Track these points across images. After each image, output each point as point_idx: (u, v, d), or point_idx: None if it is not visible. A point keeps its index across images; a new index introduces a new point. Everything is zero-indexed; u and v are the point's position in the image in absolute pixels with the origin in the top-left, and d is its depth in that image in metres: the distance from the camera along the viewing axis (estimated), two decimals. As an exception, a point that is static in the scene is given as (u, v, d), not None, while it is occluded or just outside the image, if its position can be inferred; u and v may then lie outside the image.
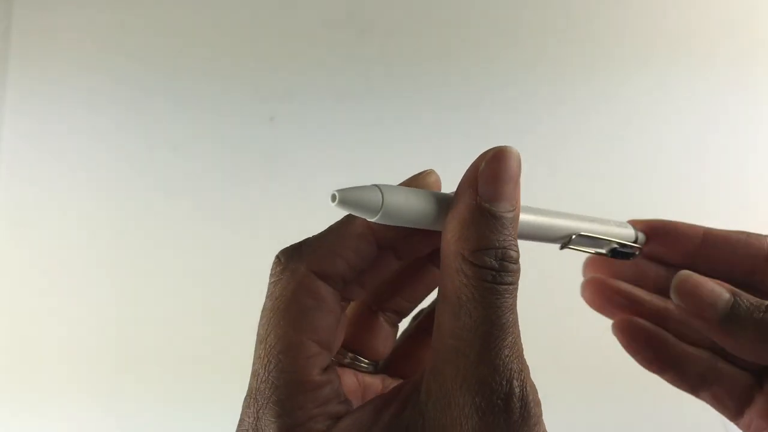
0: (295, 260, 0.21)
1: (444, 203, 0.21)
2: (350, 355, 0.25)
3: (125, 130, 0.71)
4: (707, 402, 0.28)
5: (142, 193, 0.69)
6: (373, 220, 0.20)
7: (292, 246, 0.22)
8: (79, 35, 0.74)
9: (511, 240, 0.20)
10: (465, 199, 0.20)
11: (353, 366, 0.25)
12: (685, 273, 0.25)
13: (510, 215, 0.20)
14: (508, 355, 0.19)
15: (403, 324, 0.27)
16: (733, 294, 0.24)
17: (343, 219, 0.22)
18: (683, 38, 0.71)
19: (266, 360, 0.20)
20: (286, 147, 0.70)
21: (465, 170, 0.21)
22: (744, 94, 0.69)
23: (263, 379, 0.20)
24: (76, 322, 0.65)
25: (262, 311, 0.21)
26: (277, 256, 0.22)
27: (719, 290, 0.24)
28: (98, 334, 0.65)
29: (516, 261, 0.20)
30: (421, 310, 0.27)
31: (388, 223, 0.20)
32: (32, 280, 0.67)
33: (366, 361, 0.25)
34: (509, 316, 0.19)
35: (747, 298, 0.24)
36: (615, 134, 0.69)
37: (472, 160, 0.21)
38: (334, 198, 0.20)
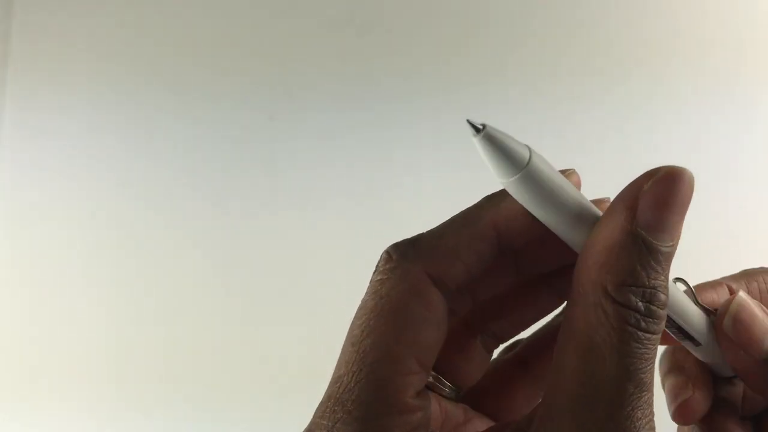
0: (410, 259, 0.18)
1: (587, 214, 0.18)
2: (433, 374, 0.21)
3: (125, 130, 0.71)
4: None
5: (142, 192, 0.69)
6: (507, 180, 0.17)
7: (405, 241, 0.19)
8: (79, 34, 0.74)
9: (663, 280, 0.17)
10: (618, 220, 0.17)
11: (434, 388, 0.21)
12: (742, 302, 0.22)
13: (668, 250, 0.17)
14: (640, 418, 0.16)
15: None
16: None
17: (464, 212, 0.19)
18: (685, 45, 0.71)
19: (356, 367, 0.17)
20: (285, 146, 0.70)
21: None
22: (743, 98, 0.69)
23: (348, 389, 0.17)
24: (76, 323, 0.65)
25: (361, 309, 0.18)
26: (387, 251, 0.19)
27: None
28: (98, 335, 0.65)
29: (664, 306, 0.17)
30: (519, 340, 0.24)
31: (520, 195, 0.17)
32: (32, 280, 0.67)
33: (449, 385, 0.22)
34: (648, 373, 0.16)
35: None
36: (619, 138, 0.69)
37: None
38: (478, 130, 0.17)
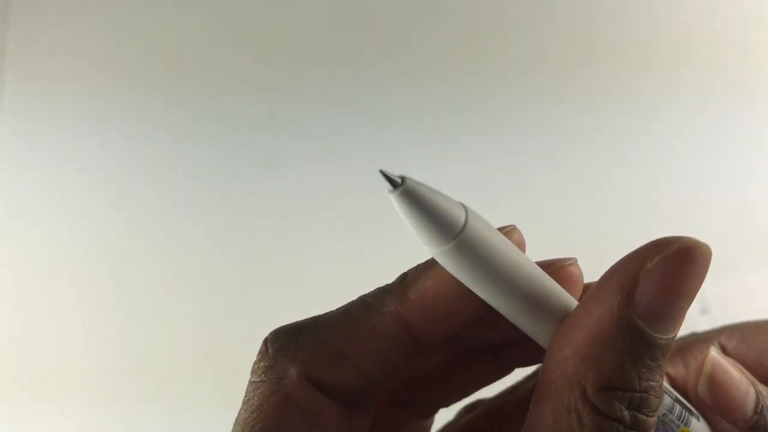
0: (288, 357, 0.15)
1: (549, 296, 0.14)
2: None
3: (124, 129, 0.71)
4: None
5: (141, 191, 0.69)
6: (436, 249, 0.13)
7: (286, 329, 0.16)
8: (77, 33, 0.74)
9: (658, 380, 0.14)
10: (609, 303, 0.13)
11: None
12: (716, 362, 0.19)
13: (666, 343, 0.13)
14: None
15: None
16: (758, 395, 0.19)
17: (361, 303, 0.16)
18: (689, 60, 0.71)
19: None
20: (285, 144, 0.70)
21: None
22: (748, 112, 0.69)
23: None
24: (76, 324, 0.65)
25: (235, 421, 0.16)
26: (265, 341, 0.16)
27: (746, 388, 0.19)
28: (97, 336, 0.65)
29: (654, 413, 0.14)
30: (478, 401, 0.21)
31: (454, 268, 0.14)
32: (32, 281, 0.66)
33: None
34: None
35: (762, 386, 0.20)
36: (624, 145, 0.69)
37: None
38: (396, 185, 0.13)
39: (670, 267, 0.13)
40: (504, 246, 0.14)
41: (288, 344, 0.15)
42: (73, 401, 0.62)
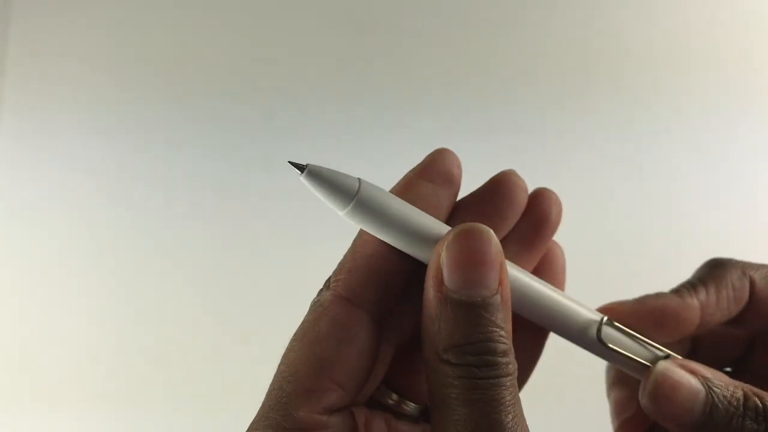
0: (324, 288, 0.20)
1: (432, 229, 0.19)
2: (395, 396, 0.22)
3: (125, 130, 0.71)
4: None
5: (141, 192, 0.69)
6: (343, 212, 0.18)
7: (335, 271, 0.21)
8: (78, 34, 0.74)
9: (493, 330, 0.17)
10: (430, 291, 0.18)
11: (398, 409, 0.22)
12: (663, 370, 0.21)
13: (491, 301, 0.17)
14: None
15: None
16: (709, 391, 0.21)
17: (362, 235, 0.21)
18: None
19: (272, 387, 0.19)
20: (285, 146, 0.70)
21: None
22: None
23: (264, 405, 0.19)
24: (76, 326, 0.65)
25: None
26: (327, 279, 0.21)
27: (696, 388, 0.21)
28: (98, 337, 0.65)
29: (503, 353, 0.17)
30: None
31: (362, 223, 0.19)
32: (32, 281, 0.66)
33: (412, 404, 0.22)
34: (499, 415, 0.17)
35: (725, 397, 0.21)
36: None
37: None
38: (302, 170, 0.19)
39: (456, 249, 0.18)
40: (392, 200, 0.19)
41: (326, 282, 0.20)
42: (73, 402, 0.62)
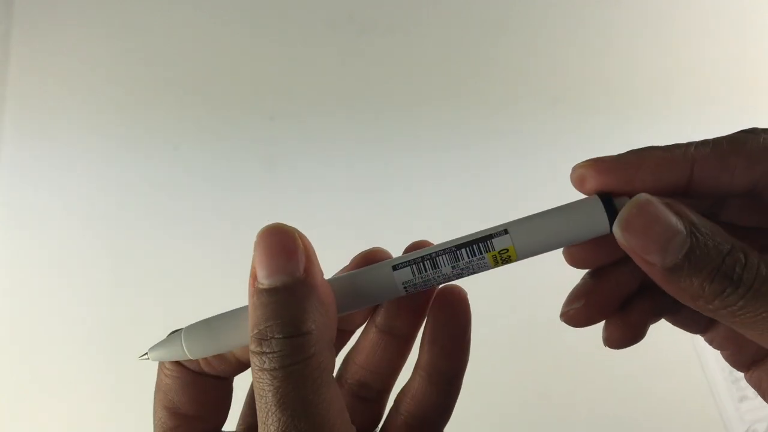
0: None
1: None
2: None
3: (125, 131, 0.71)
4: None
5: (141, 192, 0.69)
6: (191, 359, 0.22)
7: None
8: (79, 35, 0.74)
9: (278, 315, 0.19)
10: (249, 287, 0.20)
11: None
12: (644, 200, 0.19)
13: (283, 284, 0.19)
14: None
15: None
16: (691, 235, 0.18)
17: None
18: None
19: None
20: (286, 147, 0.70)
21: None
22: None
23: None
24: (77, 326, 0.65)
25: None
26: None
27: (677, 228, 0.18)
28: (98, 338, 0.65)
29: (280, 337, 0.18)
30: None
31: (207, 356, 0.22)
32: (32, 283, 0.67)
33: None
34: (271, 407, 0.18)
35: (707, 246, 0.18)
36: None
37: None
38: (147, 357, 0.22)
39: (260, 244, 0.20)
40: (207, 332, 0.22)
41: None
42: (73, 402, 0.62)
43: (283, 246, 0.19)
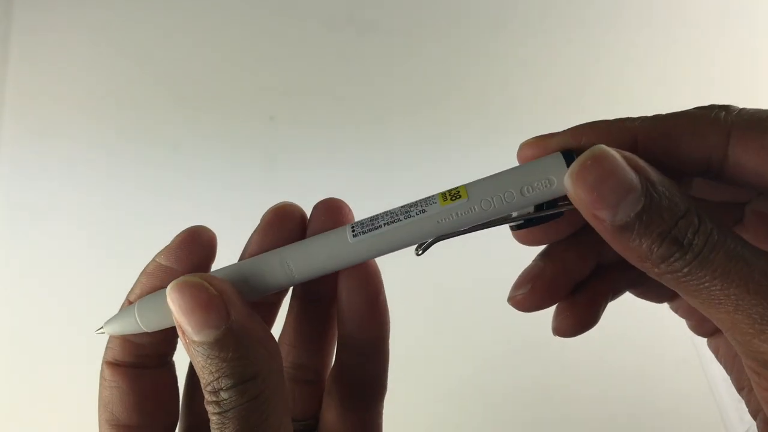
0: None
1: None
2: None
3: (125, 131, 0.71)
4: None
5: (141, 192, 0.69)
6: (145, 330, 0.22)
7: None
8: (78, 35, 0.74)
9: (220, 368, 0.19)
10: (181, 339, 0.20)
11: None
12: (599, 151, 0.18)
13: (214, 338, 0.19)
14: None
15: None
16: (647, 192, 0.17)
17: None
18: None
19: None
20: (286, 147, 0.70)
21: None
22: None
23: None
24: (76, 326, 0.65)
25: None
26: None
27: (632, 183, 0.17)
28: (98, 338, 0.65)
29: (230, 386, 0.19)
30: None
31: (160, 328, 0.22)
32: (31, 282, 0.67)
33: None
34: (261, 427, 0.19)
35: (661, 206, 0.17)
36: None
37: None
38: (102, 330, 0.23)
39: (175, 302, 0.20)
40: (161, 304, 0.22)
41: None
42: (73, 402, 0.62)
43: (199, 301, 0.19)
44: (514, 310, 0.22)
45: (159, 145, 0.70)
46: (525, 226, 0.21)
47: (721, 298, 0.17)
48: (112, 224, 0.68)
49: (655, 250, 0.17)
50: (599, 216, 0.17)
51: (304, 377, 0.25)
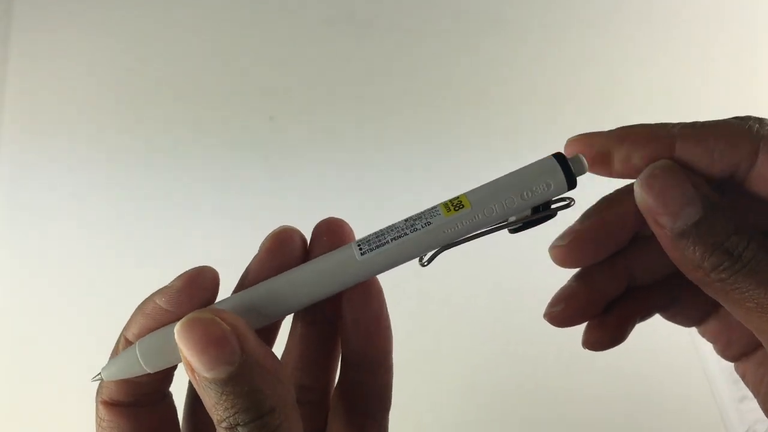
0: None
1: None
2: None
3: (125, 131, 0.71)
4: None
5: (141, 192, 0.69)
6: (149, 371, 0.21)
7: None
8: (78, 35, 0.74)
9: (236, 404, 0.19)
10: (190, 378, 0.20)
11: None
12: (668, 163, 0.20)
13: (228, 375, 0.19)
14: None
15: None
16: (706, 208, 0.19)
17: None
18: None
19: None
20: (286, 147, 0.70)
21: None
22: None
23: None
24: (76, 326, 0.65)
25: None
26: None
27: (693, 198, 0.19)
28: (97, 338, 0.65)
29: (247, 421, 0.19)
30: None
31: (165, 367, 0.21)
32: (32, 282, 0.67)
33: None
34: None
35: (716, 222, 0.19)
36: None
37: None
38: (100, 378, 0.22)
39: (185, 340, 0.19)
40: (164, 342, 0.21)
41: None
42: (72, 402, 0.62)
43: (211, 338, 0.19)
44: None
45: (159, 144, 0.70)
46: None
47: (766, 306, 0.18)
48: (112, 224, 0.68)
49: (707, 257, 0.19)
50: (661, 222, 0.20)
51: (308, 398, 0.25)
